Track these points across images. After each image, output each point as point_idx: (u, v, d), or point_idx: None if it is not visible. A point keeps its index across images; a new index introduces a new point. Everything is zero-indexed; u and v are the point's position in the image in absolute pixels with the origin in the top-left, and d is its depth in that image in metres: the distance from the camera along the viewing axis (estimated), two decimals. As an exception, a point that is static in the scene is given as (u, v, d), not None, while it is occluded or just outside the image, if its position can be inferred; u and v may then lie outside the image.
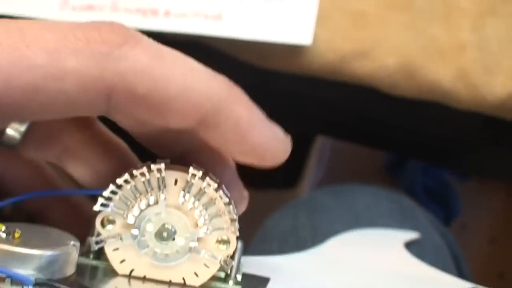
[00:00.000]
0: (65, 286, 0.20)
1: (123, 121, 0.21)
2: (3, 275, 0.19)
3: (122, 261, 0.22)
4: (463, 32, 0.42)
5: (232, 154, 0.22)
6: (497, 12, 0.42)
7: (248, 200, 0.26)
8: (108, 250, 0.22)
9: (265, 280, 0.24)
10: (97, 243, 0.22)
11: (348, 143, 0.83)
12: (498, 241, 1.00)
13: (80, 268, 0.21)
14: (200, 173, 0.22)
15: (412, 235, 0.41)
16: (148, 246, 0.22)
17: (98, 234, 0.22)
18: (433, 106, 0.43)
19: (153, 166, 0.21)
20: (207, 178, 0.22)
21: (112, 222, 0.22)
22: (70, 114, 0.20)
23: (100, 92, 0.19)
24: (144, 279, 0.22)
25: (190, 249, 0.22)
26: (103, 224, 0.22)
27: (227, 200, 0.22)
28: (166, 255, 0.22)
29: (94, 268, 0.23)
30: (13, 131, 0.25)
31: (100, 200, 0.22)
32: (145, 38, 0.20)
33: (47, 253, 0.20)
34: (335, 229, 0.44)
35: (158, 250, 0.22)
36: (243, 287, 0.23)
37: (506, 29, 0.42)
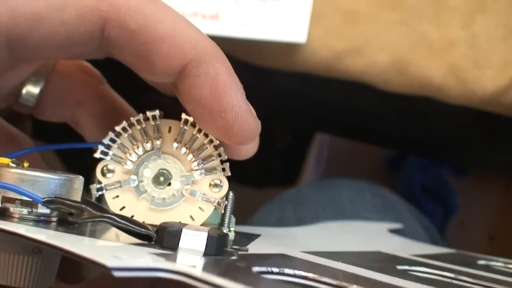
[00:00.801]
0: (72, 201, 0.21)
1: (115, 56, 0.23)
2: (15, 196, 0.21)
3: (122, 208, 0.24)
4: (453, 29, 0.43)
5: (203, 116, 0.22)
6: (486, 9, 0.43)
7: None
8: (108, 198, 0.24)
9: (256, 236, 0.26)
10: (98, 190, 0.23)
11: (346, 140, 0.85)
12: (496, 238, 1.00)
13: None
14: (191, 119, 0.23)
15: (395, 225, 0.43)
16: (146, 191, 0.24)
17: (99, 182, 0.23)
18: (425, 101, 0.44)
19: (148, 113, 0.23)
20: None
21: (111, 171, 0.24)
22: (69, 50, 0.21)
23: (95, 23, 0.20)
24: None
25: (186, 192, 0.23)
26: (103, 173, 0.23)
27: (217, 142, 0.23)
28: (163, 199, 0.24)
29: (98, 200, 0.24)
30: (29, 91, 0.26)
31: (100, 148, 0.23)
32: None
33: (54, 176, 0.21)
34: (319, 222, 0.46)
35: (155, 195, 0.24)
36: (236, 235, 0.25)
37: (495, 25, 0.43)
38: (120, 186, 0.23)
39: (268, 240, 0.27)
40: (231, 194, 0.24)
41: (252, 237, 0.26)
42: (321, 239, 0.34)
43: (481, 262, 0.32)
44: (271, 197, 0.54)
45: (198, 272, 0.16)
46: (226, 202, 0.24)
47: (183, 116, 0.23)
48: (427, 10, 0.43)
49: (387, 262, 0.27)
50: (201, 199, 0.23)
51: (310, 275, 0.19)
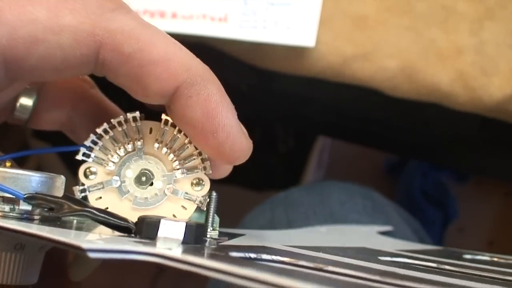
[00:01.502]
0: (53, 196, 0.21)
1: (110, 78, 0.23)
2: None
3: (105, 209, 0.23)
4: (461, 36, 0.43)
5: (196, 136, 0.22)
6: (494, 16, 0.43)
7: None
8: (92, 199, 0.24)
9: (240, 234, 0.27)
10: (81, 192, 0.24)
11: (348, 145, 0.85)
12: (496, 243, 1.01)
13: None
14: (171, 120, 0.23)
15: (385, 227, 0.43)
16: (128, 191, 0.24)
17: (82, 184, 0.24)
18: (432, 107, 0.44)
19: (129, 115, 0.23)
20: None
21: (94, 173, 0.24)
22: (65, 72, 0.22)
23: (90, 47, 0.21)
24: None
25: (168, 191, 0.24)
26: (85, 175, 0.24)
27: None
28: (146, 198, 0.24)
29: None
30: (23, 104, 0.27)
31: (82, 150, 0.24)
32: (135, 11, 0.22)
33: (36, 174, 0.22)
34: (310, 224, 0.46)
35: (138, 194, 0.24)
36: (220, 234, 0.25)
37: (503, 32, 0.43)
38: (103, 187, 0.24)
39: (251, 238, 0.27)
40: (214, 193, 0.25)
41: (235, 235, 0.26)
42: (307, 237, 0.34)
43: (467, 256, 0.32)
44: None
45: (175, 253, 0.16)
46: (208, 200, 0.24)
47: (163, 116, 0.24)
48: (436, 16, 0.43)
49: (369, 255, 0.27)
50: (183, 198, 0.24)
51: (287, 259, 0.20)
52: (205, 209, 0.24)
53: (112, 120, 0.23)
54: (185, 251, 0.18)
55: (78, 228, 0.22)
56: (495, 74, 0.43)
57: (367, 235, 0.40)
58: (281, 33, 0.43)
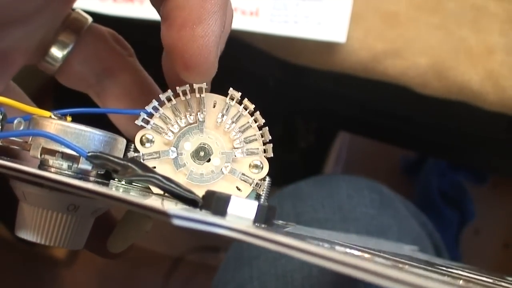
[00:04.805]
0: (118, 158, 0.20)
1: None
2: (56, 148, 0.20)
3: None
4: (492, 36, 0.43)
5: (174, 20, 0.21)
6: (526, 17, 0.43)
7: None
8: None
9: (291, 224, 0.26)
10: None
11: (366, 143, 0.85)
12: (511, 246, 1.00)
13: None
14: (238, 95, 0.22)
15: (412, 247, 0.43)
16: (184, 164, 0.23)
17: (136, 151, 0.23)
18: (461, 106, 0.44)
19: (195, 85, 0.22)
20: (245, 100, 0.23)
21: (151, 141, 0.23)
22: None
23: None
24: None
25: (225, 169, 0.23)
26: (142, 142, 0.23)
27: (262, 122, 0.23)
28: (201, 174, 0.23)
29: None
30: (57, 50, 0.25)
31: (142, 115, 0.22)
32: None
33: (98, 132, 0.20)
34: (317, 217, 0.46)
35: (193, 169, 0.23)
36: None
37: (535, 33, 0.43)
38: (159, 157, 0.23)
39: (304, 230, 0.27)
40: (268, 179, 0.23)
41: (286, 225, 0.25)
42: (351, 238, 0.34)
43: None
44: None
45: (259, 231, 0.15)
46: (265, 184, 0.23)
47: (231, 91, 0.23)
48: (466, 15, 0.43)
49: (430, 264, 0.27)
50: (240, 179, 0.23)
51: (362, 253, 0.19)
52: (261, 193, 0.23)
53: (177, 88, 0.22)
54: (268, 230, 0.17)
55: (130, 193, 0.21)
56: (525, 74, 0.43)
57: (399, 247, 0.39)
58: (312, 28, 0.43)
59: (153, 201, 0.17)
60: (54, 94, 0.72)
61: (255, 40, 0.45)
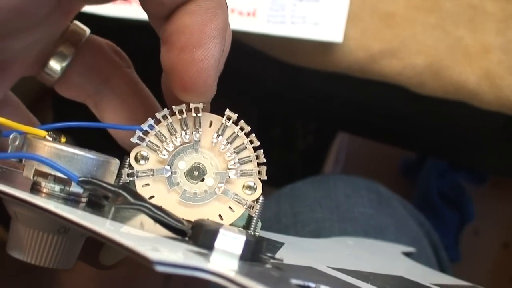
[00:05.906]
0: (109, 184, 0.20)
1: None
2: (49, 171, 0.20)
3: (151, 197, 0.23)
4: (488, 35, 0.43)
5: (175, 43, 0.21)
6: (522, 16, 0.43)
7: None
8: (139, 185, 0.23)
9: (281, 244, 0.25)
10: (129, 176, 0.23)
11: (365, 144, 0.85)
12: (511, 246, 1.00)
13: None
14: (235, 116, 0.23)
15: (409, 248, 0.43)
16: (178, 183, 0.23)
17: (131, 168, 0.23)
18: (457, 105, 0.44)
19: (192, 105, 0.22)
20: (241, 122, 0.23)
21: (145, 158, 0.23)
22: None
23: None
24: None
25: (218, 190, 0.23)
26: (136, 159, 0.23)
27: (257, 144, 0.23)
28: (195, 193, 0.23)
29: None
30: (56, 62, 0.26)
31: (138, 133, 0.22)
32: None
33: (92, 156, 0.21)
34: (315, 217, 0.46)
35: (187, 188, 0.23)
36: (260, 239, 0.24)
37: (531, 32, 0.43)
38: (152, 175, 0.23)
39: (293, 250, 0.26)
40: (261, 198, 0.23)
41: (277, 245, 0.25)
42: (342, 254, 0.34)
43: None
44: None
45: (242, 279, 0.15)
46: (257, 207, 0.23)
47: (227, 112, 0.23)
48: (463, 15, 0.44)
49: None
50: (233, 199, 0.23)
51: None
52: (253, 215, 0.23)
53: (173, 107, 0.22)
54: (248, 275, 0.17)
55: (117, 216, 0.21)
56: (521, 73, 0.43)
57: (396, 258, 0.39)
58: (309, 29, 0.43)
59: (139, 243, 0.17)
60: (54, 94, 0.72)
61: (252, 41, 0.45)
